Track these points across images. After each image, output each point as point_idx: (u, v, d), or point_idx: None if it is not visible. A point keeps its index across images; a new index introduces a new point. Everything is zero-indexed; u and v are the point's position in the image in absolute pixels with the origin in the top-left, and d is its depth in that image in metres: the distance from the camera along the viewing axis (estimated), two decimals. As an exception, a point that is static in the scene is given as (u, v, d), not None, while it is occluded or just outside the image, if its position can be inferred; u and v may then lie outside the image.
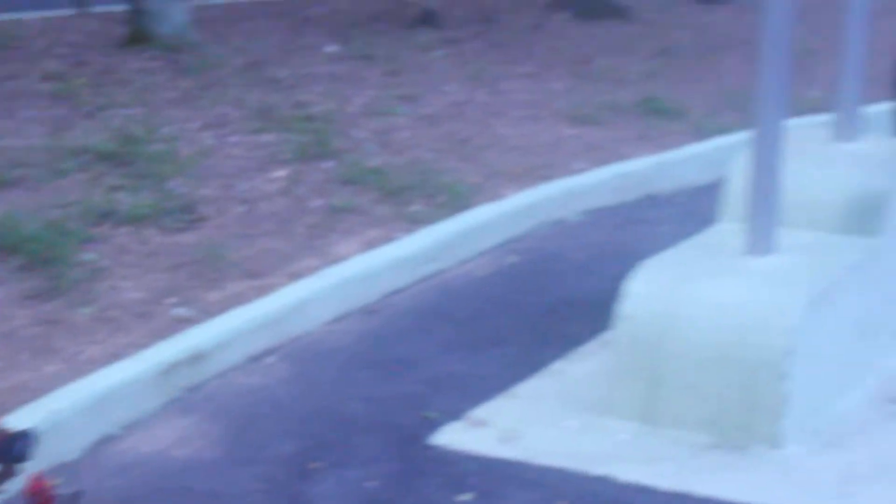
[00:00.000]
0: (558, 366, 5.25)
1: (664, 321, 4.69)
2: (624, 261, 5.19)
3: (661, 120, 8.90)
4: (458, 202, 6.93)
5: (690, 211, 6.89)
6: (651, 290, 4.77)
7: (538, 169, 7.65)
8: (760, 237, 4.90)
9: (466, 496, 4.21)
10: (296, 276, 5.83)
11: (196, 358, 5.02)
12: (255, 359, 5.29)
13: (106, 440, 4.55)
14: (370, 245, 6.28)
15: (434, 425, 4.71)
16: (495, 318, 5.83)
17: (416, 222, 6.62)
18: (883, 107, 6.58)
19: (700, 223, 5.56)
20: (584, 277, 6.26)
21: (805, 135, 6.10)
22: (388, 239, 6.38)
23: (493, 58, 10.95)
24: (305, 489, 4.26)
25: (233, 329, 5.30)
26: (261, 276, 5.82)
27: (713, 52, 11.53)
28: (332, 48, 11.02)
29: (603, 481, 4.32)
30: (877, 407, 4.96)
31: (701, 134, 8.56)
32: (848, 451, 4.59)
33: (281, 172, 7.27)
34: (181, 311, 5.41)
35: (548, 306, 5.95)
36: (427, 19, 12.33)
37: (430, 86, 9.70)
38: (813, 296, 4.63)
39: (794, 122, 6.22)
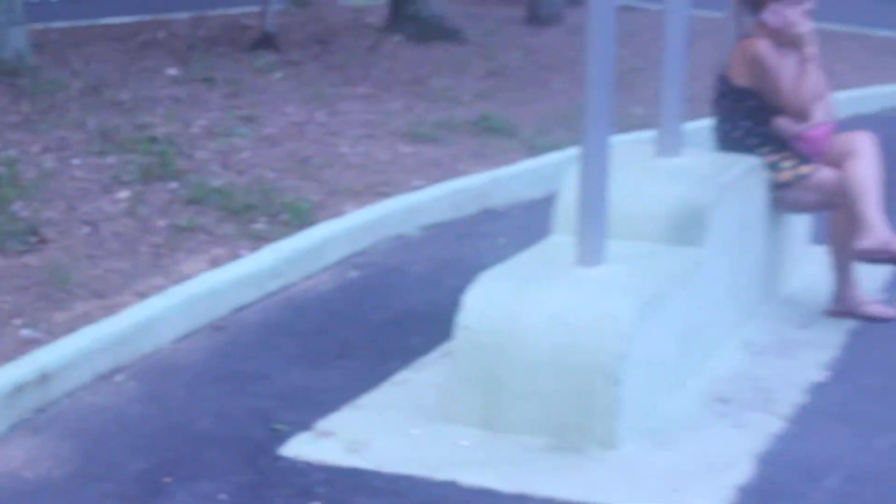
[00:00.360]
0: (402, 376, 5.27)
1: (501, 330, 4.73)
2: (463, 273, 5.23)
3: (495, 138, 8.98)
4: (300, 219, 6.92)
5: (525, 224, 6.96)
6: (488, 300, 4.81)
7: (378, 186, 7.68)
8: (591, 249, 4.98)
9: (316, 504, 4.24)
10: (142, 295, 5.75)
11: (44, 378, 4.92)
12: (104, 378, 5.20)
13: (-46, 463, 4.46)
14: (215, 263, 6.23)
15: (283, 438, 4.69)
16: (340, 331, 5.83)
17: (260, 240, 6.58)
18: (703, 123, 6.74)
19: (535, 236, 5.61)
20: (425, 290, 6.30)
21: (631, 150, 6.23)
22: (233, 257, 6.34)
23: (331, 79, 10.96)
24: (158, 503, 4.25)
25: (81, 349, 5.20)
26: (107, 295, 5.74)
27: (543, 72, 11.69)
28: (172, 71, 10.93)
29: (447, 486, 4.35)
30: (705, 406, 5.07)
31: (533, 150, 8.66)
32: (678, 450, 4.68)
33: (125, 194, 7.18)
34: (28, 333, 5.30)
35: (391, 319, 5.97)
36: (266, 42, 12.28)
37: (270, 107, 9.67)
38: (642, 303, 4.72)
39: (620, 139, 6.37)
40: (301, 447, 4.63)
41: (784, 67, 5.99)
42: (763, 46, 5.98)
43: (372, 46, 12.72)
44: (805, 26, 5.99)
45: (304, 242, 6.67)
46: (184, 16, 14.31)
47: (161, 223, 6.75)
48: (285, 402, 5.03)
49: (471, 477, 4.41)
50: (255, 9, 13.43)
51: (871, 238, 5.78)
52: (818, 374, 5.46)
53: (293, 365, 5.43)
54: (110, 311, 5.58)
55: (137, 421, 4.88)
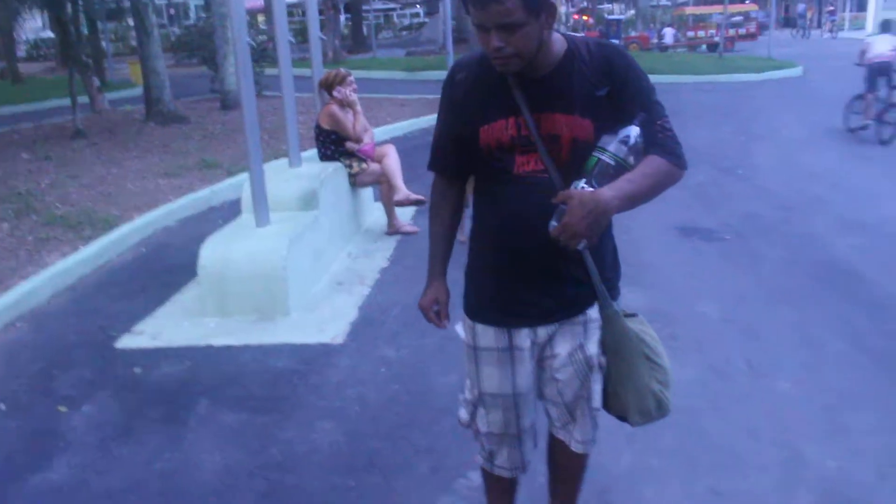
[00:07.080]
0: (175, 297, 5.16)
1: (222, 263, 4.73)
2: (201, 241, 5.09)
3: (210, 170, 8.74)
4: (111, 224, 6.58)
5: (233, 212, 6.80)
6: (212, 250, 4.79)
7: (152, 203, 7.35)
8: (261, 218, 5.03)
9: (138, 369, 4.13)
10: (24, 277, 5.33)
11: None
12: (10, 325, 4.85)
13: None
14: (65, 255, 5.83)
15: (115, 339, 4.55)
16: (139, 279, 5.60)
17: (89, 239, 6.20)
18: (312, 150, 6.83)
19: (235, 215, 5.62)
20: (183, 252, 6.07)
21: (277, 167, 6.28)
22: (75, 251, 5.96)
23: (118, 150, 10.33)
24: (55, 387, 4.04)
25: (-7, 311, 4.83)
26: (2, 280, 5.32)
27: (233, 134, 11.39)
28: (25, 155, 10.03)
29: (207, 348, 4.36)
30: (331, 287, 5.20)
31: (232, 173, 8.50)
32: (321, 310, 4.81)
33: (6, 225, 6.60)
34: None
35: (166, 269, 5.77)
36: (78, 135, 11.42)
37: (85, 168, 9.03)
38: (289, 241, 4.80)
39: (274, 162, 6.41)
40: (126, 342, 4.51)
41: (346, 118, 6.17)
42: (335, 108, 6.13)
43: (138, 130, 12.04)
44: (353, 97, 6.19)
45: (117, 236, 6.35)
46: (28, 125, 13.09)
47: (30, 238, 6.25)
48: (114, 320, 4.84)
49: (218, 341, 4.42)
50: (70, 118, 12.42)
51: (400, 195, 6.07)
52: (385, 263, 5.67)
53: (116, 300, 5.21)
54: (6, 287, 5.18)
55: (32, 343, 4.59)
